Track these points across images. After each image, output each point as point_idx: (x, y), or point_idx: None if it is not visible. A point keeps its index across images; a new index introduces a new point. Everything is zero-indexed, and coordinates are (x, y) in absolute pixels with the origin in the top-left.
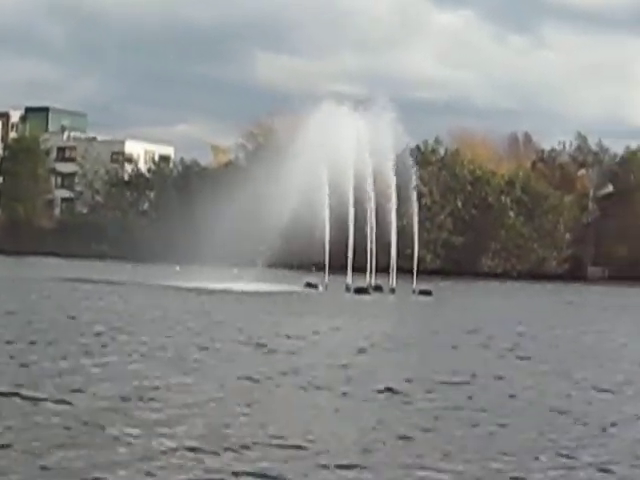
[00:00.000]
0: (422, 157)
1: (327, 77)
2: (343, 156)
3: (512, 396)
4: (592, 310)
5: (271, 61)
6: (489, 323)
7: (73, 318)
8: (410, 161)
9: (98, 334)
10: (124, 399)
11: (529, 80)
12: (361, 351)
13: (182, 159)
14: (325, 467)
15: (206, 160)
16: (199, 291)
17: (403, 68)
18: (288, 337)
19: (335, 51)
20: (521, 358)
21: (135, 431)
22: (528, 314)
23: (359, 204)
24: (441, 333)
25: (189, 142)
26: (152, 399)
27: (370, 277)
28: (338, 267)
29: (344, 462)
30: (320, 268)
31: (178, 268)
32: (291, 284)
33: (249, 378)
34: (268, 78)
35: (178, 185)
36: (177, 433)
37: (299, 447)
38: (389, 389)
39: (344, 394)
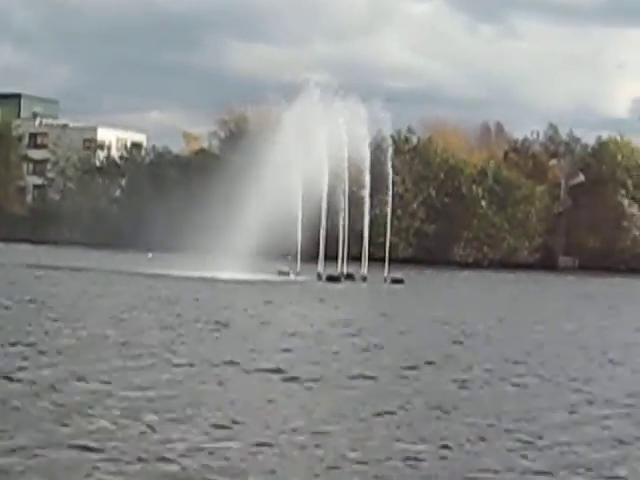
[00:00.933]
0: (395, 146)
1: (301, 66)
2: (318, 145)
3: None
4: (553, 299)
5: (245, 49)
6: (453, 311)
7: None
8: (386, 149)
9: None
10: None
11: (500, 70)
12: (293, 335)
13: (154, 146)
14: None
15: (178, 147)
16: (166, 278)
17: (377, 57)
18: (223, 322)
19: (309, 40)
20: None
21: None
22: (493, 303)
23: (332, 192)
24: (398, 320)
25: (162, 130)
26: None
27: (342, 265)
28: (313, 255)
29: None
30: (296, 256)
31: (150, 255)
32: (265, 272)
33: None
34: (242, 66)
35: (150, 172)
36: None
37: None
38: (278, 370)
39: (229, 368)
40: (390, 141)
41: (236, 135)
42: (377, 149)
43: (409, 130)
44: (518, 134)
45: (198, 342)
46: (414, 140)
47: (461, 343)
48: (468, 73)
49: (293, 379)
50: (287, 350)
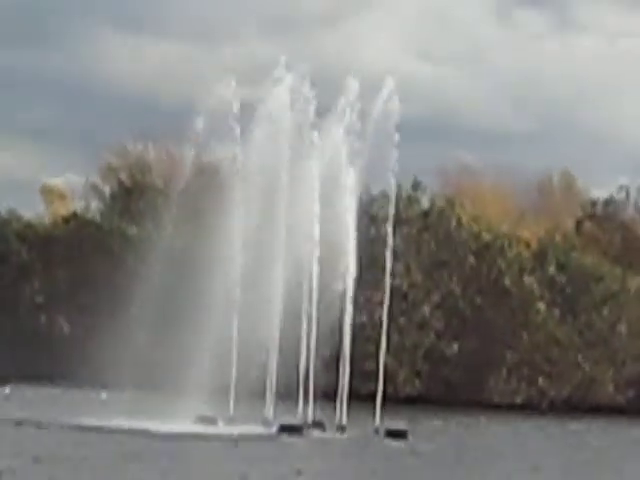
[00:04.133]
0: (395, 211)
1: (226, 69)
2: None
3: None
4: None
5: (135, 46)
6: None
7: None
8: (384, 216)
9: None
10: None
11: (555, 82)
12: None
13: None
14: None
15: (33, 211)
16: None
17: (345, 59)
18: None
19: (239, 32)
20: None
21: None
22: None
23: (294, 285)
24: None
25: (5, 181)
26: None
27: (305, 406)
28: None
29: None
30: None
31: (8, 391)
32: (179, 417)
33: None
34: (131, 73)
35: None
36: None
37: None
38: None
39: None
40: (392, 202)
41: (131, 191)
42: (366, 214)
43: (415, 185)
44: (601, 192)
45: None
46: (424, 202)
47: None
48: (500, 88)
49: None
50: None
